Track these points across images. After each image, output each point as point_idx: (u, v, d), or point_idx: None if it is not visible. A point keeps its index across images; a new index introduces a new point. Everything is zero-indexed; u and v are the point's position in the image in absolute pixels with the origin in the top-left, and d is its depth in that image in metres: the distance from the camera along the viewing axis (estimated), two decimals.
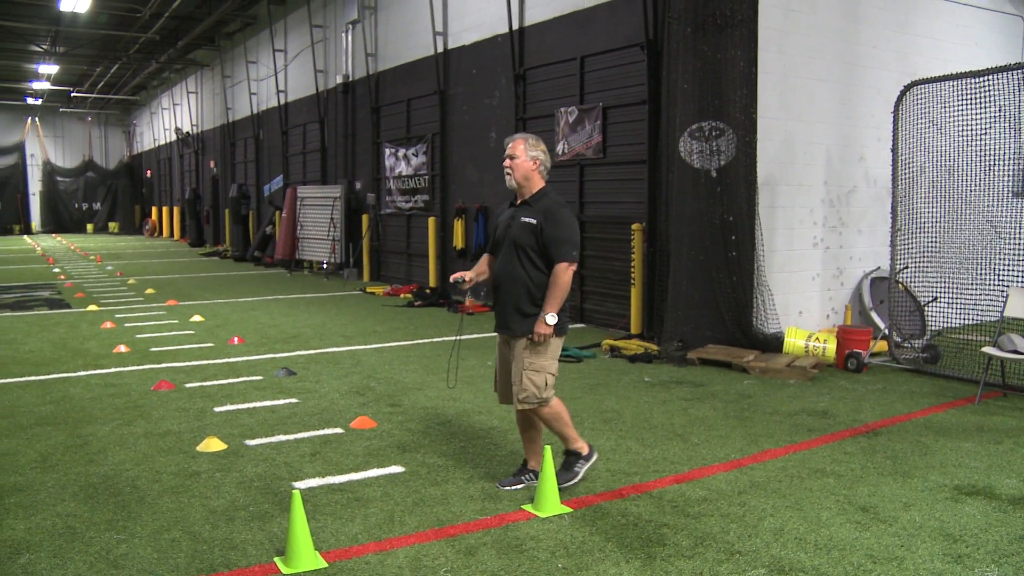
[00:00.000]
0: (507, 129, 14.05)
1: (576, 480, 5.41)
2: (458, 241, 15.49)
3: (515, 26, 13.66)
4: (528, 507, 5.08)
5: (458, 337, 6.97)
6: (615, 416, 7.27)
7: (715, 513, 5.00)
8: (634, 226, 11.11)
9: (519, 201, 5.42)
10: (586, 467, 5.47)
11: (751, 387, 8.37)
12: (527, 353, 5.20)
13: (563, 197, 13.40)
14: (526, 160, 5.37)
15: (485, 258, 5.64)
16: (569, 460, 5.46)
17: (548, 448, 5.09)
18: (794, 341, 9.56)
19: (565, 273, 5.15)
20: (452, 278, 5.51)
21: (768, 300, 9.82)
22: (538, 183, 5.40)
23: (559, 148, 12.75)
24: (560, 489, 5.19)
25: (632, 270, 11.17)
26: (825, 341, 9.52)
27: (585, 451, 5.47)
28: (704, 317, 9.98)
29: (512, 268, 5.26)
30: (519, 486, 5.41)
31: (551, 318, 5.11)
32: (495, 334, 5.53)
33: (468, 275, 5.48)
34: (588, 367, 9.39)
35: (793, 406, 7.63)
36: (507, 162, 5.42)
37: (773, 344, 9.59)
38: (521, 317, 5.22)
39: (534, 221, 5.22)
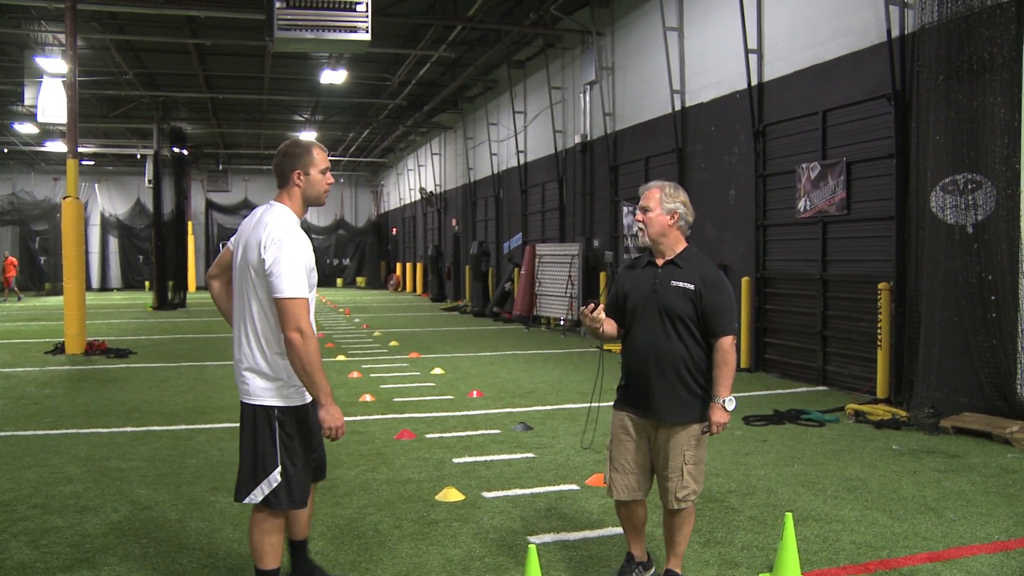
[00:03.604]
0: (747, 186, 13.82)
1: None
2: None
3: (754, 82, 13.48)
4: None
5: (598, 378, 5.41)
6: (860, 485, 6.89)
7: None
8: (881, 285, 10.59)
9: (661, 261, 4.63)
10: None
11: (1016, 461, 7.69)
12: (690, 446, 4.51)
13: (805, 255, 12.95)
14: (661, 214, 4.56)
15: (610, 320, 4.76)
16: None
17: (789, 515, 4.86)
18: None
19: (733, 348, 4.48)
20: (590, 307, 4.54)
21: None
22: (679, 241, 4.64)
23: (800, 205, 12.39)
24: None
25: (878, 331, 10.62)
26: None
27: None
28: (959, 382, 9.33)
29: (667, 342, 4.50)
30: None
31: (731, 403, 4.44)
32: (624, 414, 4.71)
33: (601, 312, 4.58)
34: (831, 432, 8.97)
35: None
36: (639, 215, 4.64)
37: None
38: (681, 401, 4.49)
39: (691, 286, 4.48)
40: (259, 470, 4.18)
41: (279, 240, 4.06)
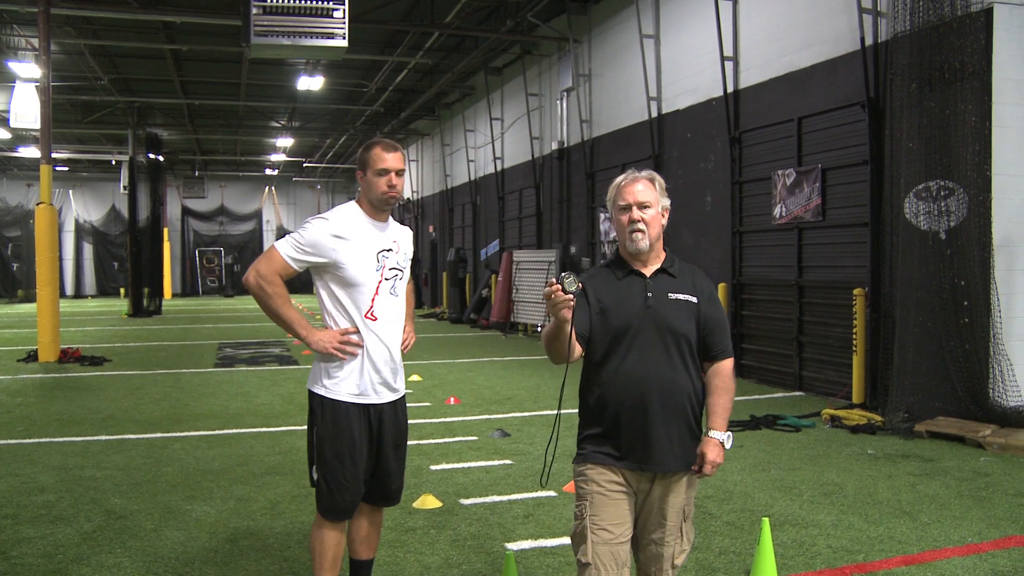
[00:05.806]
0: (723, 193, 13.88)
1: None
2: None
3: (730, 89, 13.55)
4: None
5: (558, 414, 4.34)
6: (836, 489, 6.93)
7: None
8: (856, 291, 10.67)
9: (648, 270, 3.56)
10: None
11: (989, 465, 7.77)
12: (689, 498, 3.58)
13: (781, 262, 12.95)
14: (659, 212, 3.54)
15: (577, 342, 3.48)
16: None
17: (766, 520, 4.88)
18: None
19: (733, 373, 3.64)
20: (553, 285, 3.19)
21: (1007, 371, 9.13)
22: (661, 245, 3.62)
23: (776, 211, 12.46)
24: None
25: (854, 336, 10.70)
26: None
27: None
28: (933, 387, 9.40)
29: (672, 371, 3.45)
30: None
31: (729, 440, 3.51)
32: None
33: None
34: (807, 437, 9.02)
35: None
36: (635, 214, 3.47)
37: (1014, 419, 8.88)
38: (684, 444, 3.49)
39: (693, 299, 3.51)
40: (309, 462, 4.14)
41: (306, 219, 4.22)
